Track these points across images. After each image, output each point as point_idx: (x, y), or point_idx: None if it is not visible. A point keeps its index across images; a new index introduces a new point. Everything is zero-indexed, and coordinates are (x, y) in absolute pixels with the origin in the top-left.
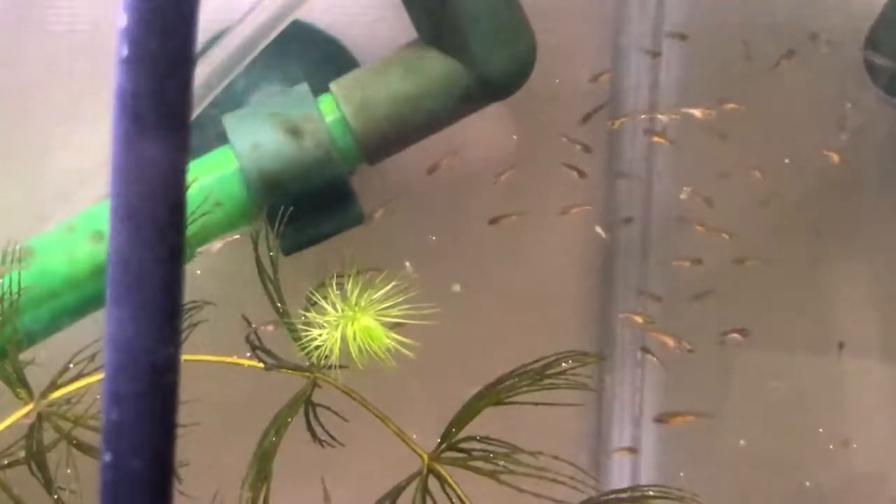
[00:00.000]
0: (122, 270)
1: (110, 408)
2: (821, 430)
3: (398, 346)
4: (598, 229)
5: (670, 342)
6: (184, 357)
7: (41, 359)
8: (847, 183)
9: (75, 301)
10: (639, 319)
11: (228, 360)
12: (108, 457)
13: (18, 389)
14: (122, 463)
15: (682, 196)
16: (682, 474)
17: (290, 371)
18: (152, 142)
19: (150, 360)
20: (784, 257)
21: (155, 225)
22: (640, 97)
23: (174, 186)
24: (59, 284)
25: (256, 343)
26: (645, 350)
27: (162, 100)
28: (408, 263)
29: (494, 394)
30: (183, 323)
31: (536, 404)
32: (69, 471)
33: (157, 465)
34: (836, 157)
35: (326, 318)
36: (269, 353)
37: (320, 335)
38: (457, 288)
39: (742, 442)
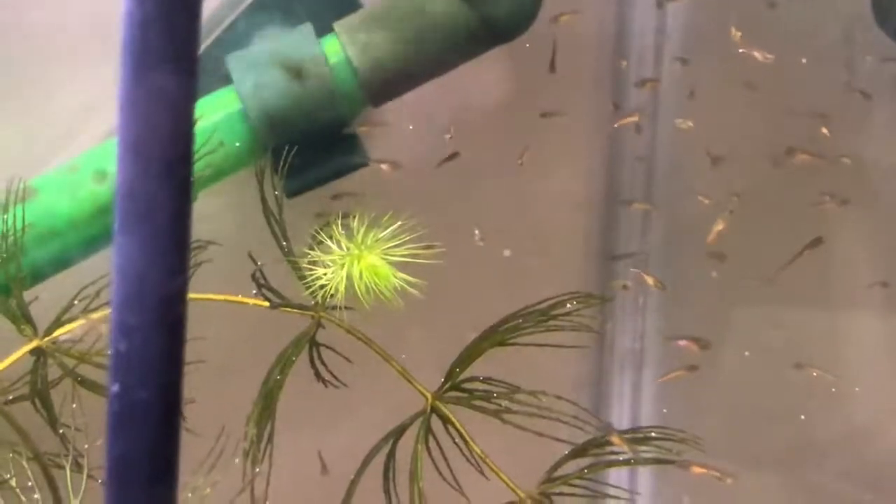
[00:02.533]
0: (130, 200)
1: (118, 339)
2: (815, 374)
3: (405, 286)
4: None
5: (650, 280)
6: (191, 296)
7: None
8: (851, 133)
9: (78, 240)
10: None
11: (234, 298)
12: (115, 388)
13: (23, 326)
14: (130, 394)
15: (679, 123)
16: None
17: (294, 310)
18: (160, 71)
19: (158, 291)
20: (786, 207)
21: (163, 155)
22: (646, 42)
23: (182, 116)
24: (61, 224)
25: (262, 281)
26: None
27: (170, 29)
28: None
29: (498, 335)
30: (189, 255)
31: (539, 346)
32: (74, 405)
33: (165, 395)
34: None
35: (332, 257)
36: (274, 291)
37: (325, 274)
38: (476, 233)
39: (741, 389)
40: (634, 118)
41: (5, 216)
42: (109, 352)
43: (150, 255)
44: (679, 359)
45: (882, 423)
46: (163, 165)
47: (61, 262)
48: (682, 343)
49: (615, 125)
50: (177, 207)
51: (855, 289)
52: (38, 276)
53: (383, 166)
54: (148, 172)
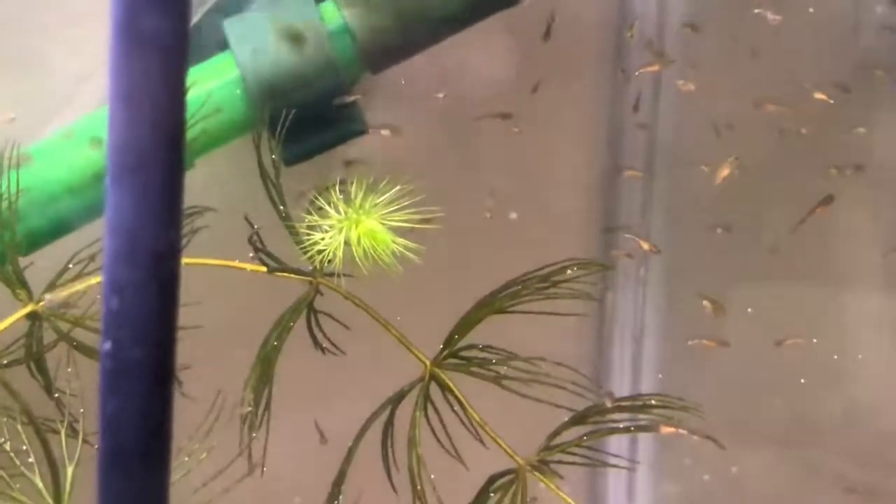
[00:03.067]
0: (121, 152)
1: (110, 296)
2: (815, 341)
3: (403, 251)
4: None
5: (645, 245)
6: (187, 260)
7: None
8: (854, 104)
9: (74, 207)
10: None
11: (231, 263)
12: (107, 346)
13: (18, 290)
14: (122, 352)
15: (681, 85)
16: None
17: (292, 275)
18: (151, 16)
19: (150, 246)
20: (791, 177)
21: (154, 105)
22: (649, 5)
23: (174, 62)
24: (57, 190)
25: (259, 245)
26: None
27: None
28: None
29: (497, 301)
30: (183, 211)
31: (539, 313)
32: (69, 369)
33: (158, 353)
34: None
35: (330, 222)
36: (271, 255)
37: (323, 239)
38: (489, 203)
39: (743, 362)
40: (655, 68)
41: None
42: (101, 309)
43: (142, 209)
44: (680, 331)
45: (884, 399)
46: (154, 114)
47: (58, 229)
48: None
49: (639, 72)
50: (169, 159)
51: (859, 262)
52: (34, 243)
53: (384, 132)
54: (139, 121)
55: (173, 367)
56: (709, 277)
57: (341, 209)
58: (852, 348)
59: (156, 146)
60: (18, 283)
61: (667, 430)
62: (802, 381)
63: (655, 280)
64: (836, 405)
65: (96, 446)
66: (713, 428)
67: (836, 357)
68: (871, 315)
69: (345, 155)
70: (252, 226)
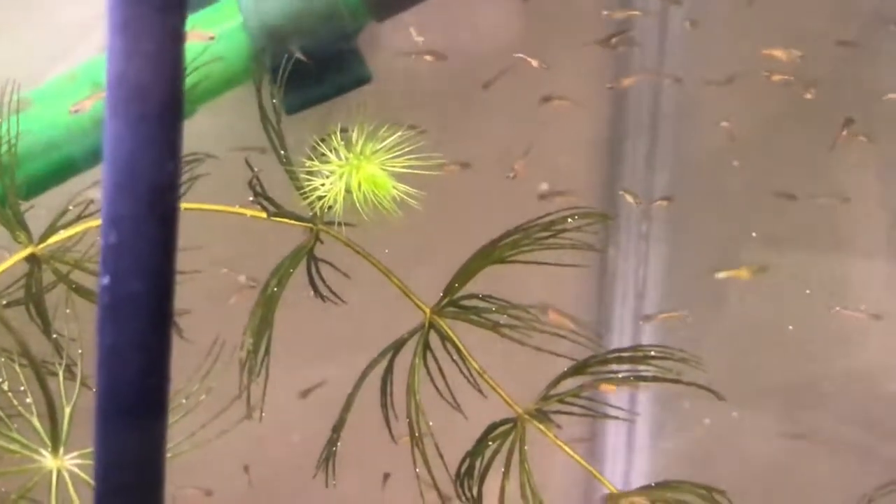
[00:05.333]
0: (120, 83)
1: (108, 229)
2: (810, 292)
3: (404, 196)
4: None
5: (629, 198)
6: (186, 205)
7: None
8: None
9: (76, 152)
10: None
11: (231, 209)
12: (106, 280)
13: (18, 233)
14: (121, 286)
15: (686, 25)
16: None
17: (292, 221)
18: None
19: (149, 179)
20: (798, 138)
21: (152, 35)
22: None
23: None
24: (58, 135)
25: (259, 189)
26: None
27: None
28: None
29: (497, 251)
30: (182, 143)
31: (540, 264)
32: (68, 311)
33: (157, 287)
34: None
35: (331, 167)
36: (271, 200)
37: (324, 184)
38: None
39: (745, 324)
40: None
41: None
42: (100, 243)
43: (141, 141)
44: (682, 292)
45: (889, 365)
46: (153, 45)
47: (60, 174)
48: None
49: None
50: (168, 90)
51: (865, 226)
52: (35, 188)
53: (427, 57)
54: (137, 52)
55: (172, 300)
56: (712, 235)
57: (342, 154)
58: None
59: (154, 77)
60: (18, 226)
61: (606, 387)
62: (805, 342)
63: (658, 237)
64: (838, 368)
65: (95, 389)
66: (712, 384)
67: (839, 319)
68: (878, 278)
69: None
70: (252, 169)
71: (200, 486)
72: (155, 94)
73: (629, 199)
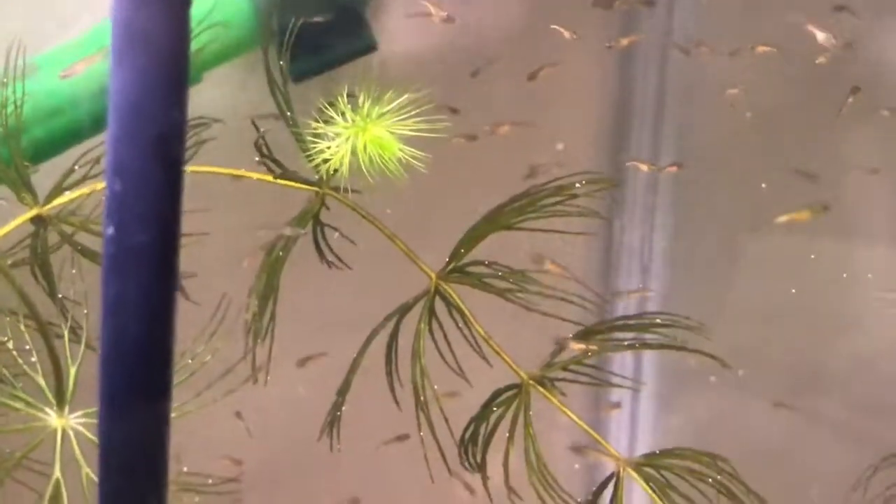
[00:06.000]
0: (125, 29)
1: (113, 179)
2: (819, 267)
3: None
4: None
5: (643, 167)
6: (193, 168)
7: None
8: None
9: (81, 118)
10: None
11: (236, 172)
12: (110, 230)
13: (23, 194)
14: (126, 236)
15: None
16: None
17: (298, 185)
18: None
19: (154, 126)
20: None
21: None
22: None
23: None
24: (63, 101)
25: (265, 151)
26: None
27: None
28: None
29: (504, 216)
30: (187, 90)
31: (546, 231)
32: (74, 271)
33: (163, 237)
34: None
35: (337, 129)
36: (277, 162)
37: (329, 147)
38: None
39: (749, 301)
40: None
41: (6, 92)
42: (105, 193)
43: (146, 86)
44: (688, 265)
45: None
46: None
47: (65, 140)
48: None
49: None
50: (173, 36)
51: (871, 210)
52: (41, 154)
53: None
54: None
55: (177, 250)
56: (720, 208)
57: (349, 117)
58: (861, 294)
59: (160, 23)
60: (24, 187)
61: (576, 346)
62: (807, 320)
63: (664, 209)
64: (840, 349)
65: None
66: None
67: (849, 298)
68: (880, 263)
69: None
70: (258, 129)
71: (231, 456)
72: (161, 41)
73: (642, 167)
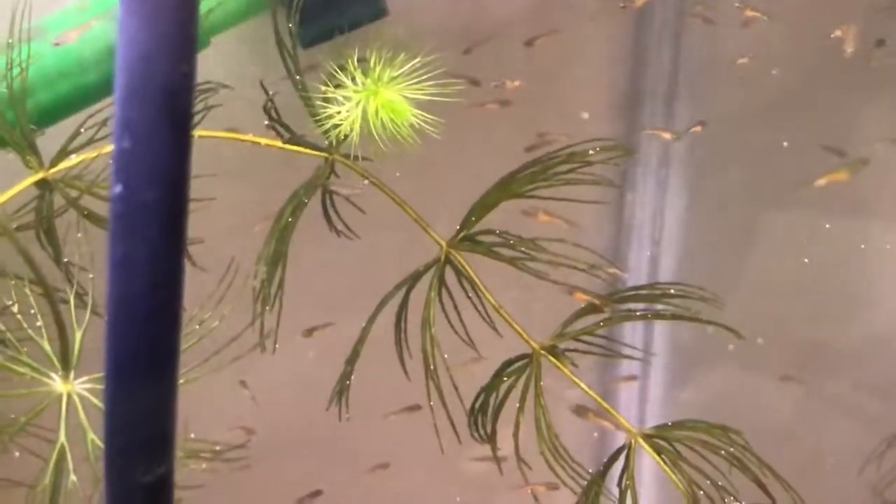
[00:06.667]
0: None
1: (121, 135)
2: (832, 241)
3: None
4: None
5: (667, 135)
6: (200, 132)
7: None
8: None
9: (87, 82)
10: (665, 135)
11: (246, 137)
12: (118, 188)
13: (28, 157)
14: (134, 194)
15: None
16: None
17: (307, 150)
18: None
19: (163, 81)
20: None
21: None
22: None
23: None
24: (69, 65)
25: (274, 115)
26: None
27: None
28: None
29: (516, 183)
30: (197, 45)
31: (558, 199)
32: (79, 235)
33: (172, 195)
34: None
35: (347, 93)
36: (286, 127)
37: (339, 112)
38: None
39: (761, 281)
40: None
41: (12, 55)
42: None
43: (155, 38)
44: (701, 237)
45: None
46: None
47: (71, 105)
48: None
49: None
50: None
51: (890, 182)
52: (47, 117)
53: None
54: None
55: (186, 208)
56: (732, 182)
57: (360, 81)
58: (877, 267)
59: None
60: (29, 150)
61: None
62: (821, 295)
63: (676, 184)
64: (852, 329)
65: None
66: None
67: (862, 274)
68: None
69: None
70: (267, 92)
71: (245, 426)
72: None
73: (664, 135)
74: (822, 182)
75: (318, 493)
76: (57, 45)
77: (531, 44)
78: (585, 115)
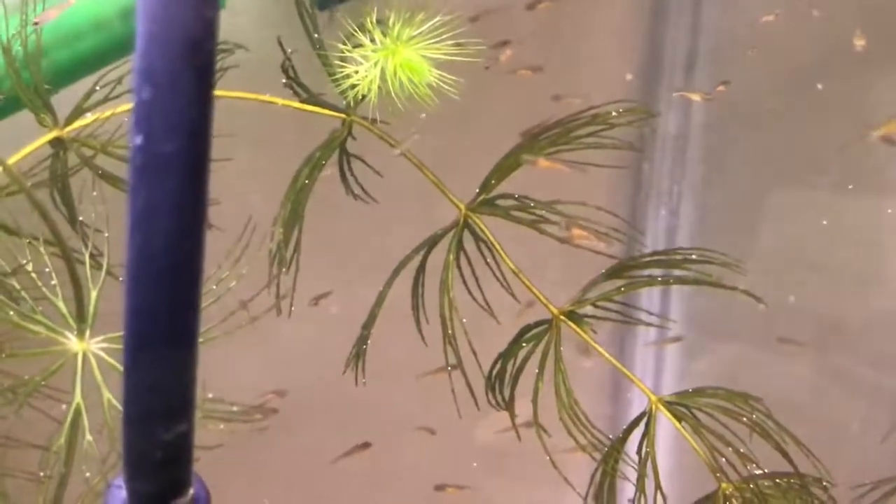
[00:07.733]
0: None
1: (142, 85)
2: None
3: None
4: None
5: (696, 96)
6: (219, 93)
7: None
8: None
9: (102, 42)
10: (695, 96)
11: (263, 97)
12: (138, 139)
13: (42, 115)
14: (154, 145)
15: None
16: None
17: (325, 110)
18: None
19: (184, 30)
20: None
21: None
22: None
23: None
24: (84, 25)
25: (292, 74)
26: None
27: None
28: None
29: (537, 146)
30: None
31: (577, 164)
32: (94, 193)
33: (192, 145)
34: None
35: (364, 52)
36: (304, 86)
37: (357, 72)
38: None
39: (777, 249)
40: None
41: (25, 15)
42: (132, 100)
43: None
44: (717, 210)
45: None
46: None
47: (86, 65)
48: None
49: None
50: None
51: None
52: (62, 78)
53: None
54: None
55: (208, 159)
56: (750, 156)
57: (378, 40)
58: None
59: None
60: (43, 108)
61: (578, 233)
62: (837, 269)
63: (695, 156)
64: (870, 299)
65: (121, 279)
66: (741, 305)
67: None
68: None
69: None
70: (285, 51)
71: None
72: None
73: (695, 97)
74: (880, 132)
75: (367, 444)
76: (37, 23)
77: (534, 6)
78: (604, 82)
